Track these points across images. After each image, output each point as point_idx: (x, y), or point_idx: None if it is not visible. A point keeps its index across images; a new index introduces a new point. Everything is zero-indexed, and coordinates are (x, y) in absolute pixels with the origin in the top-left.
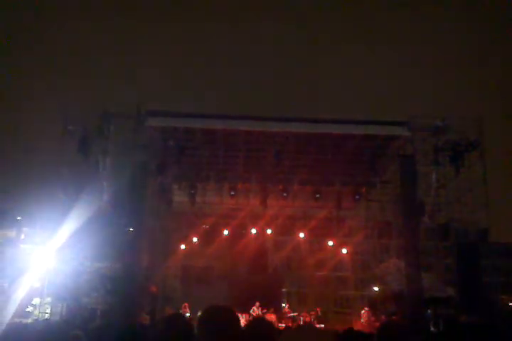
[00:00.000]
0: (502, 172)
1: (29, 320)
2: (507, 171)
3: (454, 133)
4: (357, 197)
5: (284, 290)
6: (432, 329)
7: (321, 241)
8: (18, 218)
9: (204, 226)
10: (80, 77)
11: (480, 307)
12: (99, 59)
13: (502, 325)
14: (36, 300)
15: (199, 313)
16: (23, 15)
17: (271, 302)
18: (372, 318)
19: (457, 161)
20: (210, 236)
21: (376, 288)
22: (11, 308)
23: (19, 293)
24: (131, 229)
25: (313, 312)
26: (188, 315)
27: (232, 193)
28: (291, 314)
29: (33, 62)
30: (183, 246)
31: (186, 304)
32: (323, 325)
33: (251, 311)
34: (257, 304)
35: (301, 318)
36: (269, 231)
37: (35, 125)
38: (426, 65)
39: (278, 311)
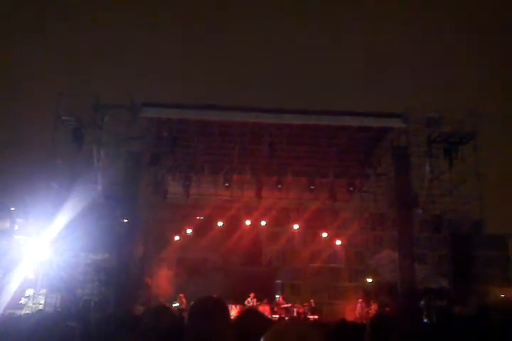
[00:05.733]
0: (495, 164)
1: (23, 312)
2: (500, 163)
3: (448, 125)
4: (351, 188)
5: (278, 281)
6: (425, 320)
7: (315, 233)
8: (12, 209)
9: (198, 217)
10: (74, 67)
11: (473, 298)
12: (94, 49)
13: (494, 317)
14: (30, 292)
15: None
16: (18, 7)
17: (265, 294)
18: (366, 309)
19: (451, 153)
20: (204, 228)
21: (370, 280)
22: (5, 300)
23: (13, 285)
24: (126, 221)
25: (307, 304)
26: (176, 305)
27: (227, 185)
28: (285, 305)
29: (27, 53)
30: (177, 238)
31: (182, 295)
32: (317, 316)
33: (245, 302)
34: (252, 295)
35: (295, 309)
36: (263, 223)
37: (29, 116)
38: (421, 58)
39: (272, 302)
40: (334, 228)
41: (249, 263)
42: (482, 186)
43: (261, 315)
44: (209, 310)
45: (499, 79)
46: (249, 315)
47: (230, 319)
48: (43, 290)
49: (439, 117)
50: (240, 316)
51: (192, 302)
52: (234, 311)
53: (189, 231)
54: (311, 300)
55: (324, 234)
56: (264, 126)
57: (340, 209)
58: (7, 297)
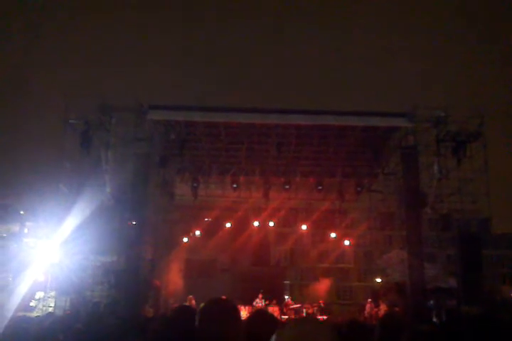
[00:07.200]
0: (503, 162)
1: (33, 314)
2: (508, 161)
3: (456, 124)
4: (359, 188)
5: (286, 282)
6: (435, 319)
7: (323, 233)
8: (22, 212)
9: (206, 219)
10: (82, 70)
11: (482, 297)
12: (102, 53)
13: (503, 315)
14: (39, 294)
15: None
16: (24, 7)
17: (274, 295)
18: (375, 309)
19: (459, 152)
20: (212, 229)
21: (379, 279)
22: (15, 302)
23: (23, 287)
24: (134, 223)
25: (316, 304)
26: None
27: (235, 186)
28: (294, 306)
29: (35, 56)
30: (185, 239)
31: (191, 296)
32: (325, 317)
33: (254, 303)
34: (260, 296)
35: (304, 310)
36: (271, 224)
37: (37, 119)
38: (427, 57)
39: (281, 303)
40: (343, 228)
41: (258, 263)
42: (490, 184)
43: (271, 316)
44: (220, 312)
45: (506, 77)
46: (260, 317)
47: (241, 321)
48: (53, 293)
49: (446, 116)
50: (251, 317)
51: (202, 304)
52: (243, 312)
53: (197, 232)
54: (320, 301)
55: (333, 234)
56: (271, 126)
57: (349, 209)
58: (17, 299)
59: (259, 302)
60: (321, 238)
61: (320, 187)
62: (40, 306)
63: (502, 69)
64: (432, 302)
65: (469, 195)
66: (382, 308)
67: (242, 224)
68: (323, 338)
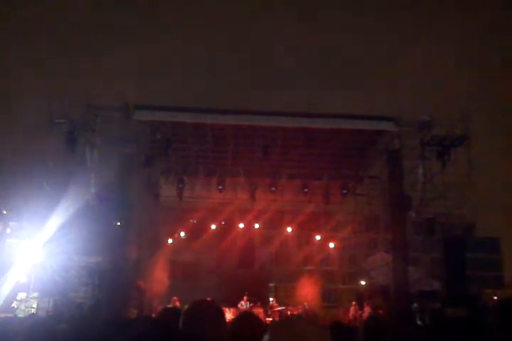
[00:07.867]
0: (488, 167)
1: (15, 315)
2: (492, 166)
3: (441, 128)
4: (344, 191)
5: (271, 284)
6: (419, 322)
7: (308, 236)
8: (4, 212)
9: (192, 220)
10: (67, 69)
11: (465, 300)
12: (89, 52)
13: (487, 319)
14: (21, 295)
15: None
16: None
17: (258, 297)
18: (359, 312)
19: (443, 156)
20: (197, 231)
21: (363, 282)
22: None
23: (5, 288)
24: (119, 223)
25: (300, 306)
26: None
27: (220, 187)
28: (279, 308)
29: (20, 55)
30: (170, 241)
31: (176, 298)
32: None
33: (239, 305)
34: (245, 298)
35: (289, 312)
36: (256, 226)
37: (22, 118)
38: (413, 62)
39: (265, 305)
40: (328, 231)
41: (243, 266)
42: (474, 189)
43: (257, 319)
44: (204, 314)
45: (491, 81)
46: (245, 319)
47: (226, 323)
48: (36, 294)
49: (431, 120)
50: (236, 319)
51: (186, 306)
52: (228, 314)
53: (182, 234)
54: (305, 303)
55: (318, 237)
56: (257, 128)
57: (334, 211)
58: None
59: (243, 305)
60: (306, 240)
61: (306, 190)
62: (23, 307)
63: (488, 73)
64: (415, 305)
65: (454, 199)
66: (367, 311)
67: (228, 226)
68: (317, 337)
